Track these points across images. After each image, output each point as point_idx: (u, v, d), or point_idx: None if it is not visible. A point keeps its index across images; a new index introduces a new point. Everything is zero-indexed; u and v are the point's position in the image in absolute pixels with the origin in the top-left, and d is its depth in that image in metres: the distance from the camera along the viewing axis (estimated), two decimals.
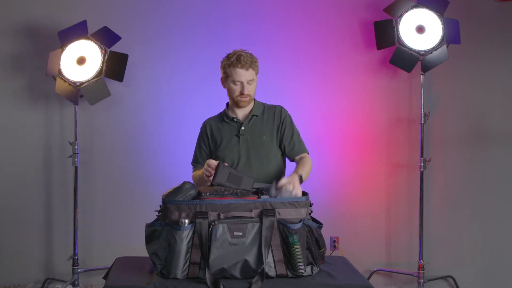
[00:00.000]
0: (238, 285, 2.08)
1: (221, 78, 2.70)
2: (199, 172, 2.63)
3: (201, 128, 2.79)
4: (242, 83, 2.60)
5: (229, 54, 2.65)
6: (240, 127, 2.66)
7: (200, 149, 2.76)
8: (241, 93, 2.61)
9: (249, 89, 2.61)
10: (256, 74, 2.66)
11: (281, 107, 2.75)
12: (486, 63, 3.73)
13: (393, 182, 3.78)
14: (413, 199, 3.69)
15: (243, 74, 2.59)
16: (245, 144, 2.64)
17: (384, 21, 3.53)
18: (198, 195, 2.21)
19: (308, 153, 2.71)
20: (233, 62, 2.59)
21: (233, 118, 2.69)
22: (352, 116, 3.75)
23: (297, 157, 2.67)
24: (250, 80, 2.61)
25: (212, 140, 2.72)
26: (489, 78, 3.74)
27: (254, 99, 2.74)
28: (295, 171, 2.51)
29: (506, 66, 3.74)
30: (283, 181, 2.30)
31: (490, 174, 3.75)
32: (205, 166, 2.42)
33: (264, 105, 2.75)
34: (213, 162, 2.37)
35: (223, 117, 2.72)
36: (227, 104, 2.76)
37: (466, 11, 3.68)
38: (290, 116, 2.74)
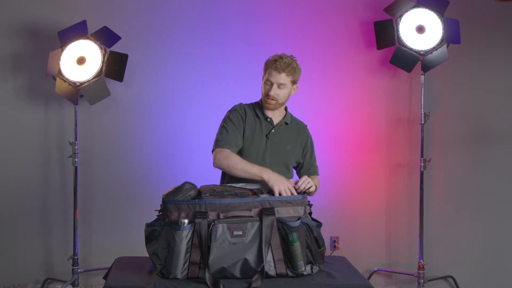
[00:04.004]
0: (238, 285, 2.08)
1: (263, 77, 2.67)
2: (246, 165, 2.46)
3: (238, 109, 2.65)
4: (271, 84, 2.57)
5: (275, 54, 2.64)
6: (271, 129, 2.65)
7: (235, 129, 2.58)
8: (267, 94, 2.58)
9: (276, 92, 2.57)
10: (292, 82, 2.60)
11: (306, 127, 2.78)
12: (486, 63, 3.74)
13: (393, 182, 3.78)
14: (413, 199, 3.69)
15: (274, 76, 2.55)
16: (271, 147, 2.64)
17: (384, 21, 3.53)
18: (198, 195, 2.21)
19: (319, 174, 2.80)
20: (270, 61, 2.58)
21: (267, 118, 2.66)
22: (352, 116, 3.75)
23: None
24: (281, 84, 2.57)
25: (245, 126, 2.62)
26: (489, 78, 3.74)
27: (286, 109, 2.72)
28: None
29: (506, 66, 3.74)
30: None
31: (490, 174, 3.75)
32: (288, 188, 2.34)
33: (292, 116, 2.75)
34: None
35: (257, 111, 2.66)
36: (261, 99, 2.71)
37: (466, 11, 3.68)
38: (311, 138, 2.78)
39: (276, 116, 2.68)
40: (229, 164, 2.48)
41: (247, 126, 2.63)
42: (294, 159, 2.71)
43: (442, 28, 3.41)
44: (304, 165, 2.75)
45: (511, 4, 3.70)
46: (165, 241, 2.14)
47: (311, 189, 2.39)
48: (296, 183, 2.39)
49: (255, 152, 2.62)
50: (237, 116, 2.63)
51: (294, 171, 2.80)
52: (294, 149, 2.69)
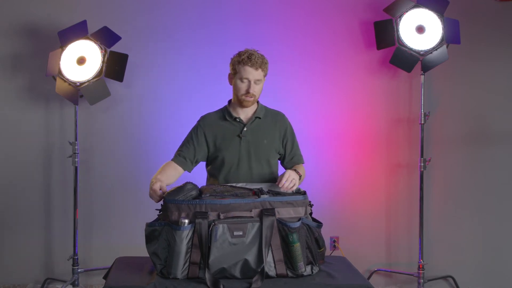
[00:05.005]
0: (238, 285, 2.08)
1: (229, 75, 2.66)
2: (161, 175, 2.50)
3: (199, 122, 2.72)
4: (249, 81, 2.57)
5: (240, 51, 2.61)
6: (243, 128, 2.64)
7: (190, 143, 2.66)
8: (247, 92, 2.57)
9: (255, 89, 2.58)
10: (265, 76, 2.63)
11: (283, 115, 2.74)
12: (486, 63, 3.74)
13: (393, 182, 3.78)
14: (413, 199, 3.69)
15: (252, 73, 2.55)
16: (246, 146, 2.62)
17: (384, 21, 3.53)
18: (199, 195, 2.21)
19: (304, 163, 2.75)
20: (243, 59, 2.55)
21: (235, 118, 2.66)
22: (352, 116, 3.75)
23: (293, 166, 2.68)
24: (258, 80, 2.58)
25: (211, 137, 2.66)
26: (489, 78, 3.74)
27: (258, 102, 2.71)
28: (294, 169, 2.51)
29: (506, 66, 3.74)
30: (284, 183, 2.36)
31: (490, 174, 3.75)
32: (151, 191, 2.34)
33: (266, 108, 2.73)
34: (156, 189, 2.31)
35: (225, 115, 2.68)
36: (229, 101, 2.73)
37: (466, 11, 3.68)
38: (291, 126, 2.74)
39: (246, 113, 2.67)
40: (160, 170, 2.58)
41: (215, 133, 2.65)
42: (274, 151, 2.67)
43: (442, 28, 3.41)
44: (286, 156, 2.72)
45: (511, 4, 3.70)
46: (165, 241, 2.14)
47: (293, 188, 2.36)
48: (280, 180, 2.36)
49: (231, 155, 2.61)
50: (195, 130, 2.68)
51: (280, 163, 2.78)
52: (273, 142, 2.66)
